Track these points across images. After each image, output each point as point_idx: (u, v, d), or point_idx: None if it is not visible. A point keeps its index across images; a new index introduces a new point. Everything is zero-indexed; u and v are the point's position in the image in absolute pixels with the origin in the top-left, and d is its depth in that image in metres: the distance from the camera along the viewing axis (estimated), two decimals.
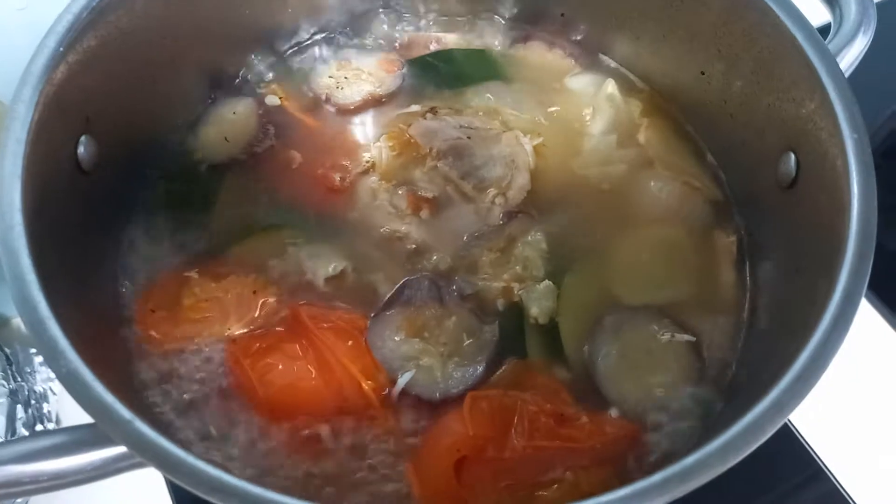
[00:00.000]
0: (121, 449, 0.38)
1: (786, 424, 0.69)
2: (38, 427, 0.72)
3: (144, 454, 0.37)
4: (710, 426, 0.57)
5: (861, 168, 0.49)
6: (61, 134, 0.53)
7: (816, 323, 0.45)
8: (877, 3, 0.62)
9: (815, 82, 0.54)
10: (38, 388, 0.73)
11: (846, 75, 0.58)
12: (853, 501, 0.69)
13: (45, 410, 0.73)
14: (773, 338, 0.57)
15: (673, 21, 0.69)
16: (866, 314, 0.79)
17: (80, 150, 0.55)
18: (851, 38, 0.60)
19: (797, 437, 0.72)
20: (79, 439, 0.39)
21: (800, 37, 0.55)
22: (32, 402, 0.73)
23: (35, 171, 0.48)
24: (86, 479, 0.39)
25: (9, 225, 0.44)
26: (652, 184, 0.69)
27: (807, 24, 0.56)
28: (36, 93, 0.49)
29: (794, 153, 0.58)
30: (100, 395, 0.38)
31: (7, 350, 0.74)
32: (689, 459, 0.39)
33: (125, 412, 0.38)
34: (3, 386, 0.73)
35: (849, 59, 0.60)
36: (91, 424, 0.39)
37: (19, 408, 0.73)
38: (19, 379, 0.74)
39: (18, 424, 0.72)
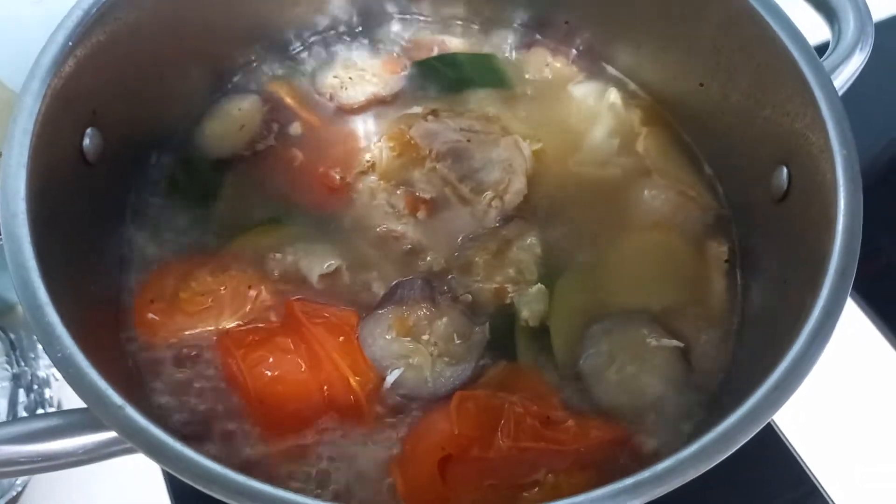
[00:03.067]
0: (112, 434, 0.40)
1: (775, 432, 0.71)
2: (39, 411, 0.73)
3: (133, 440, 0.38)
4: (694, 431, 0.57)
5: (848, 184, 0.50)
6: (68, 126, 0.54)
7: (797, 335, 0.46)
8: (876, 22, 0.63)
9: (808, 98, 0.55)
10: (41, 374, 0.74)
11: (842, 91, 0.59)
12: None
13: (46, 395, 0.74)
14: (759, 348, 0.57)
15: (673, 32, 0.69)
16: (865, 324, 0.79)
17: (86, 142, 0.56)
18: (849, 54, 0.61)
19: (789, 451, 0.72)
20: (72, 423, 0.41)
21: (795, 52, 0.56)
22: (35, 386, 0.74)
23: (40, 161, 0.49)
24: (78, 462, 0.41)
25: (13, 212, 0.45)
26: (647, 192, 0.70)
27: (802, 40, 0.57)
28: (44, 85, 0.50)
29: (787, 167, 0.59)
30: (93, 381, 0.40)
31: (11, 335, 0.76)
32: (662, 465, 0.40)
33: (117, 398, 0.39)
34: (6, 370, 0.74)
35: (845, 76, 0.61)
36: (85, 409, 0.41)
37: (21, 392, 0.74)
38: (22, 363, 0.75)
39: (20, 408, 0.73)
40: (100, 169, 0.58)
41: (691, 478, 0.40)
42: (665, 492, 0.40)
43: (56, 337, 0.41)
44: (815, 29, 0.62)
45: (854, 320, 0.79)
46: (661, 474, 0.39)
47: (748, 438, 0.41)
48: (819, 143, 0.54)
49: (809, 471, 0.71)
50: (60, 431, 0.40)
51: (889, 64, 0.75)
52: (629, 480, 0.39)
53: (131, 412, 0.39)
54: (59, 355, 0.40)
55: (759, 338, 0.59)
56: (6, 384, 0.74)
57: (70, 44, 0.52)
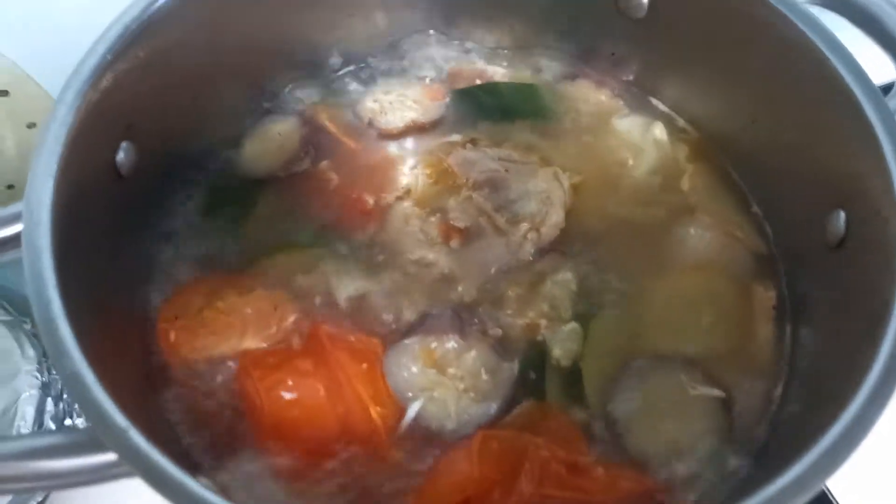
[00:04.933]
0: (114, 456, 0.38)
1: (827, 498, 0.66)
2: (68, 421, 0.73)
3: (134, 464, 0.37)
4: (732, 493, 0.53)
5: None
6: (101, 138, 0.54)
7: (853, 394, 0.42)
8: None
9: (869, 138, 0.51)
10: None
11: None
12: None
13: (76, 406, 0.73)
14: (807, 404, 0.53)
15: (723, 64, 0.66)
16: None
17: (120, 155, 0.56)
18: None
19: None
20: (76, 442, 0.39)
21: (855, 88, 0.53)
22: (64, 396, 0.74)
23: (70, 172, 0.49)
24: (78, 483, 0.39)
25: (35, 221, 0.45)
26: (692, 230, 0.67)
27: (863, 74, 0.53)
28: (79, 97, 0.50)
29: (844, 211, 0.55)
30: (97, 400, 0.38)
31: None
32: None
33: (121, 419, 0.38)
34: (36, 378, 0.74)
35: None
36: (91, 427, 0.39)
37: (49, 401, 0.74)
38: (53, 372, 0.75)
39: (46, 417, 0.73)
40: (132, 183, 0.57)
41: None
42: None
43: (65, 352, 0.40)
44: (878, 67, 0.59)
45: None
46: None
47: None
48: (881, 186, 0.50)
49: None
50: (62, 450, 0.39)
51: None
52: None
53: (135, 435, 0.37)
54: (67, 371, 0.39)
55: (808, 393, 0.55)
56: (35, 392, 0.73)
57: (109, 57, 0.52)
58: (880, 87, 0.54)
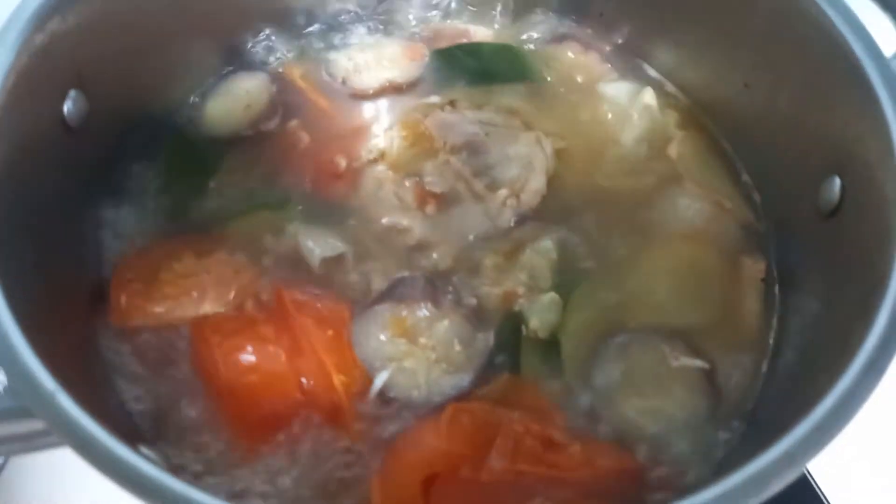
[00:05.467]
0: (41, 424, 0.35)
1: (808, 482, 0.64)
2: None
3: (61, 432, 0.33)
4: (717, 469, 0.51)
5: None
6: (47, 86, 0.50)
7: (845, 367, 0.40)
8: None
9: (869, 99, 0.49)
10: None
11: None
12: None
13: None
14: (796, 377, 0.51)
15: (718, 26, 0.64)
16: None
17: (68, 105, 0.52)
18: None
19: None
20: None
21: (856, 47, 0.50)
22: None
23: (12, 122, 0.46)
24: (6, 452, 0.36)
25: None
26: (679, 200, 0.64)
27: (865, 34, 0.50)
28: (21, 37, 0.46)
29: (840, 177, 0.52)
30: (24, 360, 0.35)
31: None
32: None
33: (49, 382, 0.34)
34: None
35: None
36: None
37: None
38: None
39: None
40: (83, 137, 0.53)
41: None
42: None
43: None
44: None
45: None
46: None
47: (785, 484, 0.35)
48: (879, 149, 0.47)
49: None
50: None
51: None
52: None
53: (63, 399, 0.34)
54: None
55: (797, 367, 0.52)
56: None
57: None
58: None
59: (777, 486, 0.35)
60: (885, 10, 0.57)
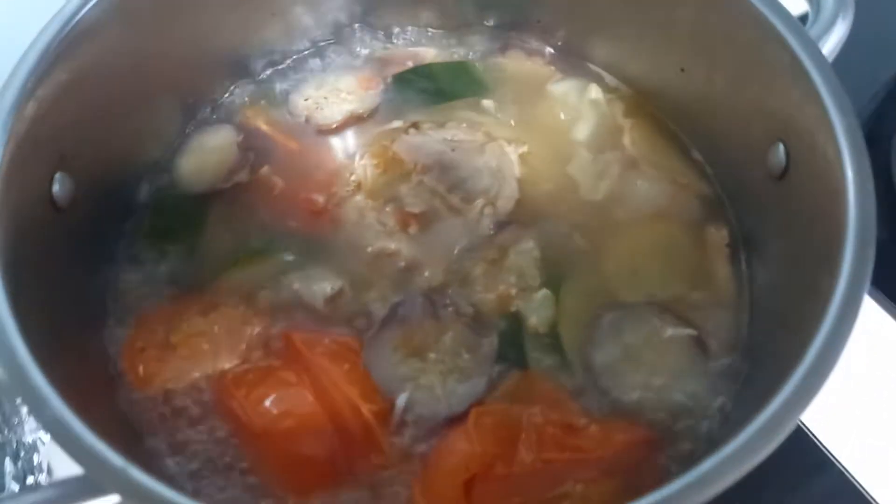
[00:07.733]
0: (114, 499, 0.36)
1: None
2: (30, 479, 0.69)
3: (142, 502, 0.35)
4: (723, 425, 0.55)
5: (853, 153, 0.49)
6: (35, 172, 0.51)
7: (822, 316, 0.44)
8: None
9: (798, 70, 0.53)
10: (27, 440, 0.70)
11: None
12: (865, 490, 0.67)
13: (35, 461, 0.70)
14: (777, 331, 0.56)
15: (648, 20, 0.68)
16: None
17: (56, 187, 0.53)
18: (830, 25, 0.60)
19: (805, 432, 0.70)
20: (68, 493, 0.37)
21: (779, 25, 0.55)
22: (22, 453, 0.70)
23: (8, 210, 0.47)
24: None
25: None
26: (639, 183, 0.68)
27: (786, 13, 0.55)
28: (6, 130, 0.47)
29: (783, 143, 0.57)
30: (89, 443, 0.36)
31: None
32: (703, 467, 0.37)
33: (117, 460, 0.36)
34: None
35: (829, 47, 0.60)
36: (79, 476, 0.37)
37: (7, 461, 0.70)
38: (6, 431, 0.71)
39: (8, 478, 0.69)
40: (73, 214, 0.54)
41: (736, 478, 0.38)
42: (710, 496, 0.37)
43: (43, 399, 0.38)
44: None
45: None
46: (705, 477, 0.37)
47: (791, 429, 0.39)
48: (815, 114, 0.52)
49: (828, 452, 0.69)
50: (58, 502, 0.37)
51: (873, 33, 0.74)
52: (674, 486, 0.37)
53: (135, 473, 0.36)
54: (49, 419, 0.37)
55: (774, 321, 0.57)
56: None
57: (30, 85, 0.49)
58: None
59: (780, 436, 0.39)
60: None
